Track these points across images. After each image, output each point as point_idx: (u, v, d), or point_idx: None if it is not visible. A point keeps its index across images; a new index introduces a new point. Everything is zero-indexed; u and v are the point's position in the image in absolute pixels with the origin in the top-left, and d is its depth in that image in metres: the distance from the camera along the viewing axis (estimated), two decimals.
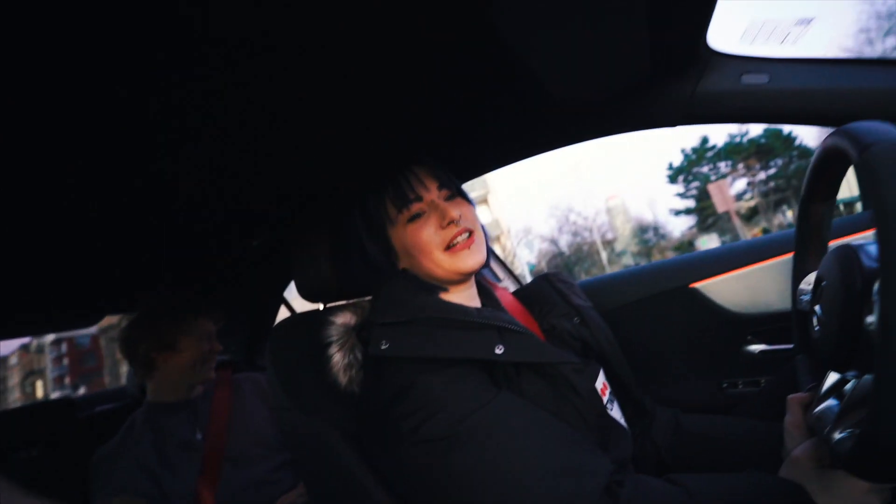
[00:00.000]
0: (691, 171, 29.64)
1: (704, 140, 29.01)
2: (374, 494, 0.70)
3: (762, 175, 26.71)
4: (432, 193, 0.80)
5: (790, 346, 1.09)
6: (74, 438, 1.44)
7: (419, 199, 0.79)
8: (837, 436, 0.56)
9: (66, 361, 28.96)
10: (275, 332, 0.94)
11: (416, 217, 0.79)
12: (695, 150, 29.20)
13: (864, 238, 0.99)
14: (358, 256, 0.85)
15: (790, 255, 1.09)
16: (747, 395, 1.15)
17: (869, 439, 0.47)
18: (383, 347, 0.68)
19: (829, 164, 0.67)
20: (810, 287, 0.76)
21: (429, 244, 0.77)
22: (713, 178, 28.57)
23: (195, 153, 0.88)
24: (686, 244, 30.32)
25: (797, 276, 0.81)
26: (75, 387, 27.44)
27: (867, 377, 0.54)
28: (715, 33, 0.88)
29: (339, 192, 1.21)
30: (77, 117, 0.63)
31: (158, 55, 0.55)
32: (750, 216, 26.70)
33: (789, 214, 25.24)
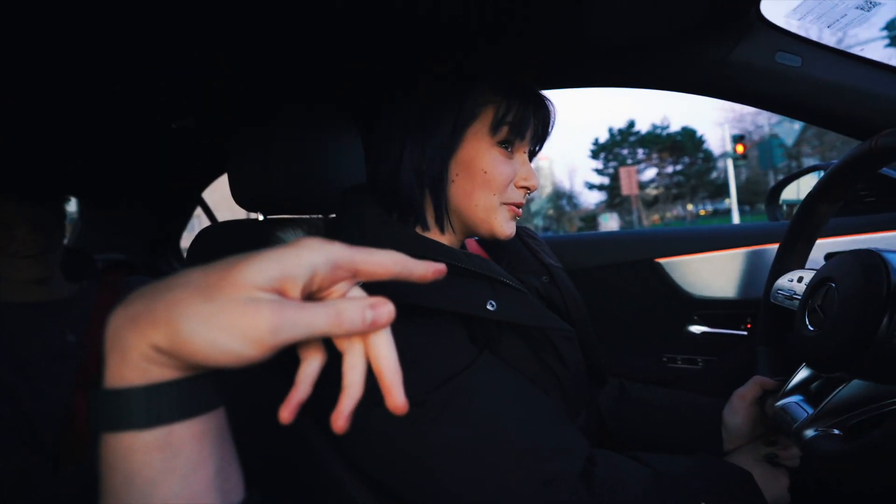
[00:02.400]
0: (613, 150, 31.35)
1: (631, 123, 30.70)
2: (329, 462, 0.58)
3: (669, 169, 29.12)
4: (526, 144, 0.68)
5: (731, 332, 1.16)
6: None
7: (522, 140, 0.67)
8: (810, 433, 0.58)
9: None
10: (197, 240, 0.76)
11: (505, 145, 0.65)
12: (621, 132, 30.80)
13: (857, 243, 1.03)
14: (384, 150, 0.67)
15: (750, 249, 1.13)
16: (683, 372, 1.20)
17: (881, 447, 0.47)
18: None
19: (863, 165, 0.65)
20: (791, 284, 0.76)
21: (500, 181, 0.65)
22: (629, 161, 30.62)
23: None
24: (591, 218, 32.65)
25: (777, 272, 0.80)
26: None
27: (856, 382, 0.56)
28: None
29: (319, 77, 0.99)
30: None
31: None
32: (652, 203, 29.26)
33: (689, 207, 28.09)
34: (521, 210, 0.69)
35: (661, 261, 1.21)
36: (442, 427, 0.52)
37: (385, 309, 0.29)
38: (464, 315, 0.58)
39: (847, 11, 0.78)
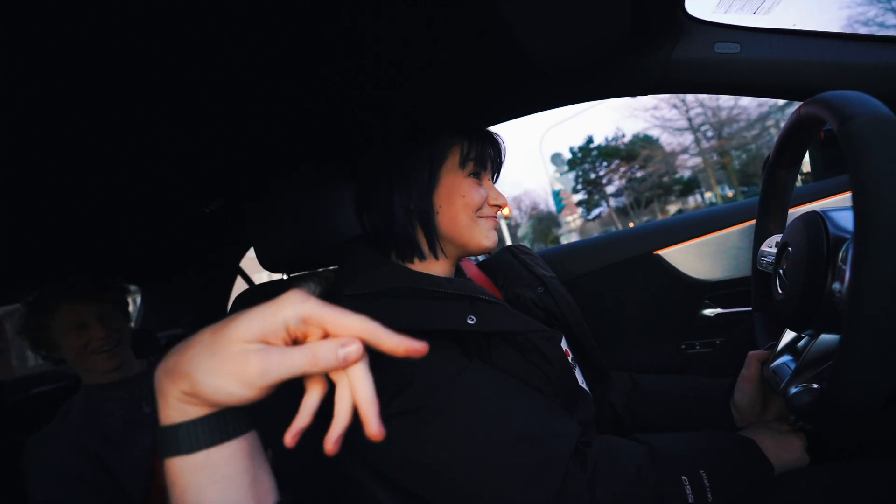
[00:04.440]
0: (574, 168, 31.75)
1: (589, 140, 31.34)
2: (352, 468, 0.63)
3: (639, 174, 29.36)
4: (489, 172, 0.80)
5: (743, 309, 1.16)
6: (4, 425, 1.21)
7: (485, 170, 0.78)
8: (793, 390, 0.59)
9: None
10: (234, 305, 0.82)
11: (474, 175, 0.76)
12: (581, 149, 31.44)
13: (825, 205, 1.04)
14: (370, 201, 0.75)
15: (746, 225, 1.14)
16: (703, 356, 1.19)
17: (830, 396, 0.48)
18: None
19: (800, 132, 0.66)
20: (771, 249, 0.77)
21: (477, 201, 0.75)
22: (592, 176, 31.03)
23: (144, 109, 0.71)
24: (555, 239, 32.75)
25: (759, 239, 0.82)
26: None
27: (823, 337, 0.57)
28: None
29: (307, 153, 1.06)
30: None
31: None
32: (626, 213, 29.43)
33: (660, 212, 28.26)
34: (497, 221, 0.79)
35: (661, 252, 1.23)
36: (439, 427, 0.57)
37: (354, 347, 0.33)
38: (453, 332, 0.63)
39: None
